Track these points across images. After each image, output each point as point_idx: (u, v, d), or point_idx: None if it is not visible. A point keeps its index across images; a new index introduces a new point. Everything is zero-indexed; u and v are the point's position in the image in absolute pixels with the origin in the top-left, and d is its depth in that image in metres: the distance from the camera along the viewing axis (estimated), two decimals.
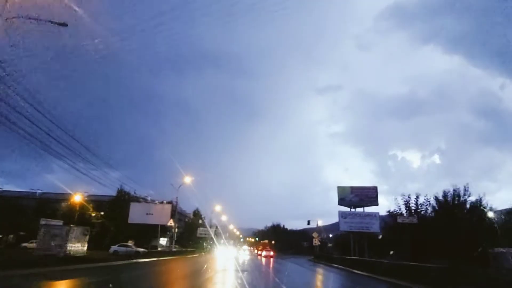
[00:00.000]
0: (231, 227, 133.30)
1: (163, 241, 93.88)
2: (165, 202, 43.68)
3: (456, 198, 33.02)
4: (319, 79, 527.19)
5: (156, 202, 44.66)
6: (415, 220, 31.64)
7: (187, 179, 40.49)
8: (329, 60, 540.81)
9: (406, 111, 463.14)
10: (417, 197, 36.31)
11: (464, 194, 32.81)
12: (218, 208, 76.32)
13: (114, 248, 36.38)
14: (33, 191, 56.72)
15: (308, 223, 61.66)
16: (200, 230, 75.44)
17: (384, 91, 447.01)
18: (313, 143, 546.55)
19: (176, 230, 48.56)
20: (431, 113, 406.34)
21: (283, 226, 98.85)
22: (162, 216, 41.85)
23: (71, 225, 22.46)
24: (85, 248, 23.67)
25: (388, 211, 35.47)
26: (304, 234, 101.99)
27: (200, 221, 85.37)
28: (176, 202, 43.41)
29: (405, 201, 36.93)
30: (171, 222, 42.10)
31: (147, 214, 41.94)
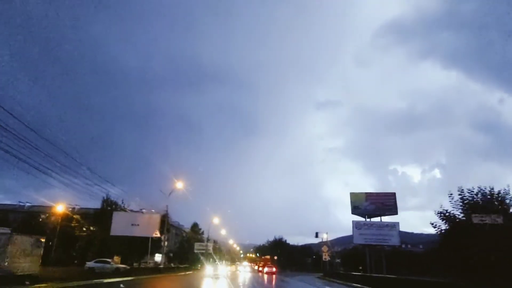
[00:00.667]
0: (231, 242, 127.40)
1: (158, 257, 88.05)
2: (153, 211, 38.29)
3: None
4: (318, 94, 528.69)
5: (144, 211, 39.20)
6: (499, 220, 17.15)
7: (179, 185, 35.37)
8: (328, 76, 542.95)
9: (406, 126, 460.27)
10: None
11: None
12: (216, 221, 70.50)
13: (89, 264, 31.06)
14: (22, 204, 52.92)
15: (316, 235, 57.85)
16: (197, 245, 70.21)
17: (383, 106, 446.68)
18: (313, 158, 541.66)
19: (166, 243, 42.76)
20: (430, 128, 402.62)
21: (285, 240, 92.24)
22: (149, 227, 36.36)
23: (14, 233, 17.16)
24: (37, 264, 18.31)
25: (440, 213, 20.34)
26: (306, 250, 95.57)
27: (199, 236, 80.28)
28: (167, 211, 38.08)
29: (462, 198, 20.53)
30: (156, 233, 36.48)
31: (132, 225, 36.43)
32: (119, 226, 36.35)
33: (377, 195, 38.35)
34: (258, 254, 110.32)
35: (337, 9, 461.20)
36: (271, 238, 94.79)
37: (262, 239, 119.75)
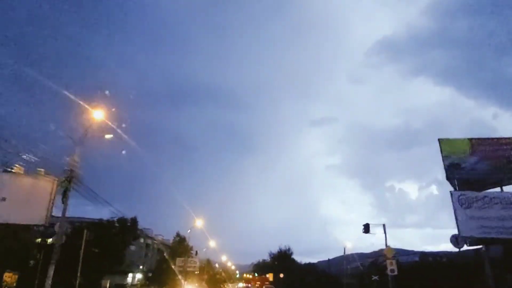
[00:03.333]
0: (224, 259, 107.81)
1: (137, 276, 67.90)
2: (42, 172, 19.21)
3: None
4: (314, 112, 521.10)
5: (17, 170, 19.87)
6: None
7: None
8: (323, 93, 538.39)
9: (401, 142, 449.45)
10: None
11: None
12: (200, 224, 51.31)
13: None
14: None
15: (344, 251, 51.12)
16: (179, 261, 50.77)
17: (379, 123, 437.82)
18: (309, 176, 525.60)
19: (64, 237, 23.14)
20: (426, 144, 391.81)
21: (292, 253, 70.72)
22: (31, 204, 17.52)
23: None
24: None
25: None
26: (311, 268, 75.84)
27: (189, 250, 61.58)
28: (72, 170, 18.85)
29: None
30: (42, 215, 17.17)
31: None
32: None
33: (493, 142, 19.43)
34: (256, 274, 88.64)
35: (330, 29, 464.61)
36: (277, 248, 73.22)
37: (259, 258, 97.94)
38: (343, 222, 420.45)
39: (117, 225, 44.08)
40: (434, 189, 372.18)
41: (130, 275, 64.29)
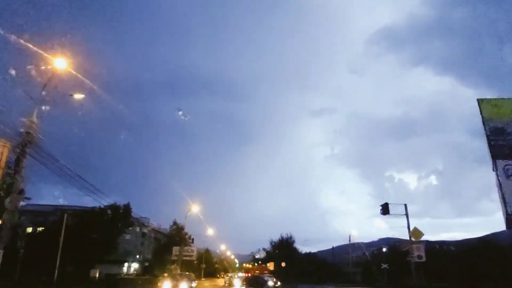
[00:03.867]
0: (223, 247, 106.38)
1: (133, 266, 65.20)
2: None
3: None
4: (313, 102, 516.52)
5: None
6: None
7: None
8: (323, 84, 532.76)
9: (401, 133, 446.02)
10: None
11: None
12: (196, 209, 48.64)
13: None
14: None
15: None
16: (175, 250, 48.86)
17: (378, 113, 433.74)
18: (308, 167, 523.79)
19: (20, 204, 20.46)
20: (425, 134, 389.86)
21: (294, 241, 67.75)
22: None
23: None
24: None
25: None
26: (312, 258, 73.51)
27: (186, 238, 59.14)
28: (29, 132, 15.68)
29: None
30: None
31: None
32: None
33: None
34: (255, 263, 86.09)
35: (330, 18, 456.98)
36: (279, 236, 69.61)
37: (259, 247, 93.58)
38: (342, 212, 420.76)
39: (109, 212, 41.17)
40: (433, 179, 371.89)
41: (126, 264, 61.91)
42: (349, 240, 58.68)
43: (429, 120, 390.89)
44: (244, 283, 38.70)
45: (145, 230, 68.55)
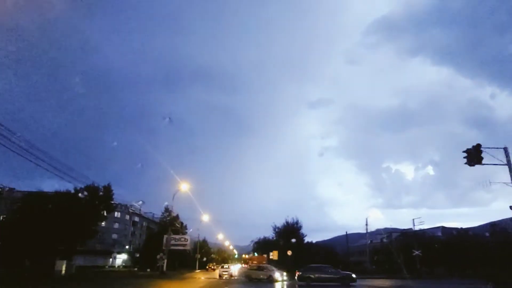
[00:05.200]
0: (221, 238, 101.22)
1: (122, 257, 59.45)
2: None
3: None
4: (310, 93, 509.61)
5: None
6: None
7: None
8: (319, 74, 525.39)
9: (398, 124, 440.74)
10: None
11: None
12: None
13: None
14: None
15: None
16: (166, 238, 43.23)
17: (375, 104, 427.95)
18: (306, 158, 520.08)
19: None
20: (422, 125, 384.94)
21: (300, 227, 61.01)
22: None
23: None
24: None
25: None
26: (318, 247, 68.20)
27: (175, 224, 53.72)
28: None
29: None
30: None
31: None
32: None
33: None
34: (256, 253, 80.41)
35: (327, 8, 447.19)
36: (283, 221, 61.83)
37: (259, 236, 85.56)
38: (339, 203, 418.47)
39: (86, 194, 35.07)
40: (430, 170, 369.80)
41: (116, 256, 56.44)
42: (366, 230, 53.83)
43: (427, 110, 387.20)
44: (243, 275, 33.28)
45: (136, 218, 62.73)
